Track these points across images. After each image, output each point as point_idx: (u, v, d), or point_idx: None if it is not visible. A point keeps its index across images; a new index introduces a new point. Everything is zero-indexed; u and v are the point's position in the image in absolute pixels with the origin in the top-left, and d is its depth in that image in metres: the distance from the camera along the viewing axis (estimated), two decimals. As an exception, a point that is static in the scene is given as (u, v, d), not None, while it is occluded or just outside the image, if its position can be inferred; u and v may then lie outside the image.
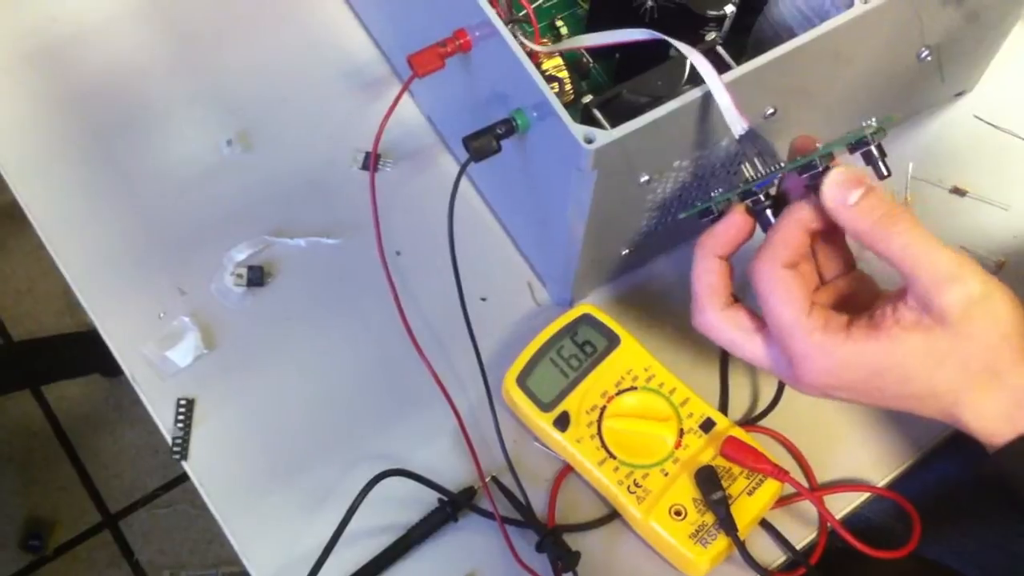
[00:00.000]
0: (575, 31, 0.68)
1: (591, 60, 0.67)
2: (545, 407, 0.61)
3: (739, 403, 0.65)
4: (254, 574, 0.61)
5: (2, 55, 0.74)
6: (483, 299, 0.68)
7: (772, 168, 0.51)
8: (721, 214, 0.54)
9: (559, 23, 0.69)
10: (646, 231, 0.63)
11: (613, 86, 0.57)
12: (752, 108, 0.53)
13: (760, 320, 0.53)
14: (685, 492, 0.59)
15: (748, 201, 0.53)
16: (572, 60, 0.66)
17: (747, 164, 0.52)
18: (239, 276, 0.67)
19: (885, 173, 0.50)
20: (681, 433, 0.61)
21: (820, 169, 0.50)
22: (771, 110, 0.57)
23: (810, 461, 0.63)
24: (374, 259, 0.61)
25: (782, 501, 0.62)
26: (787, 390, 0.64)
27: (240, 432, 0.64)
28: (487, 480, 0.61)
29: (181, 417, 0.64)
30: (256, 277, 0.67)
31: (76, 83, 0.73)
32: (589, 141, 0.49)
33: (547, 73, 0.62)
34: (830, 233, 0.53)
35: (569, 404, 0.61)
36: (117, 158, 0.71)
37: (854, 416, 0.65)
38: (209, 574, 1.43)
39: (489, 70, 0.57)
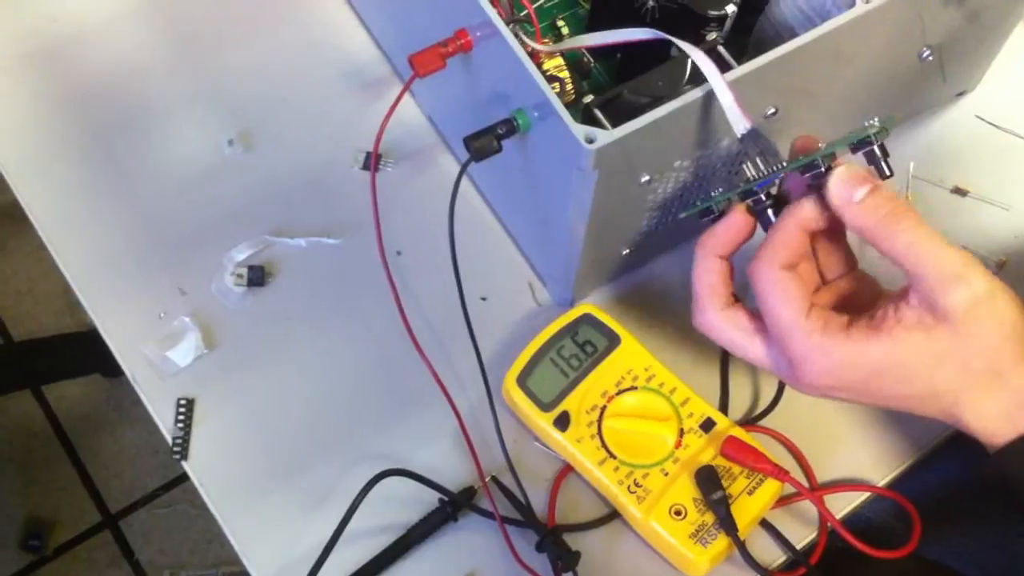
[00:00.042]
0: (576, 31, 0.68)
1: (592, 60, 0.67)
2: (545, 407, 0.61)
3: (739, 403, 0.65)
4: (254, 574, 0.61)
5: (2, 55, 0.74)
6: (483, 299, 0.68)
7: (774, 168, 0.51)
8: (722, 213, 0.54)
9: (560, 23, 0.69)
10: (647, 231, 0.63)
11: (614, 86, 0.57)
12: (753, 108, 0.53)
13: (760, 320, 0.53)
14: (685, 492, 0.59)
15: (749, 201, 0.52)
16: (573, 60, 0.66)
17: (749, 163, 0.52)
18: (239, 276, 0.67)
19: (887, 173, 0.50)
20: (681, 433, 0.61)
21: (822, 169, 0.49)
22: (772, 110, 0.57)
23: (810, 461, 0.63)
24: (375, 259, 0.61)
25: (782, 501, 0.62)
26: (787, 390, 0.64)
27: (240, 432, 0.64)
28: (487, 480, 0.61)
29: (181, 417, 0.64)
30: (256, 277, 0.67)
31: (76, 83, 0.73)
32: (590, 141, 0.49)
33: (548, 73, 0.62)
34: (831, 233, 0.53)
35: (569, 404, 0.61)
36: (118, 158, 0.71)
37: (854, 416, 0.65)
38: (209, 574, 1.43)
39: (490, 70, 0.57)
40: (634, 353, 0.63)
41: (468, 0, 0.54)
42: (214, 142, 0.72)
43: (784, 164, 0.51)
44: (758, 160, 0.52)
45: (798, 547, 0.62)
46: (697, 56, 0.52)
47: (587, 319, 0.64)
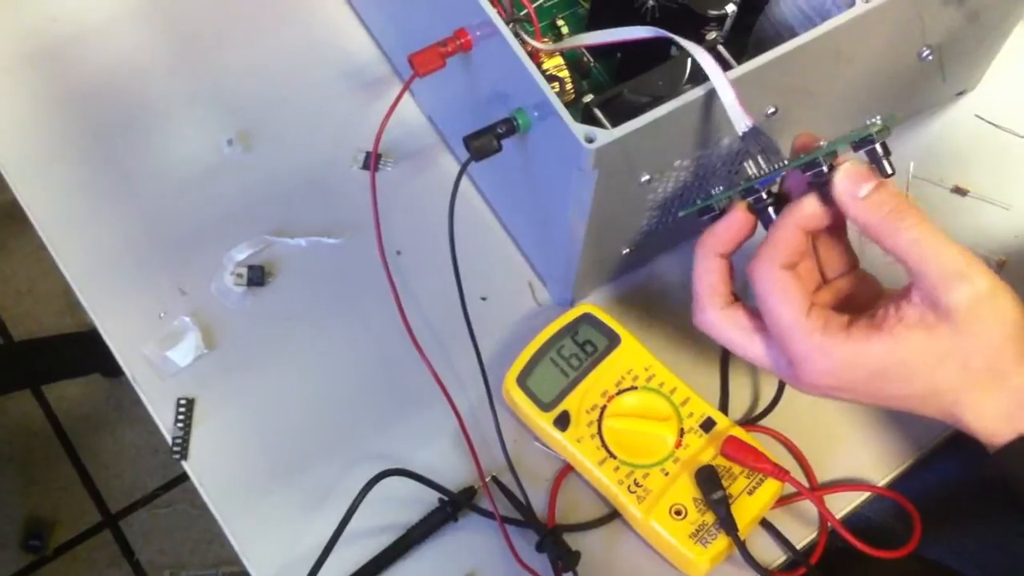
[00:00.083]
0: (576, 31, 0.68)
1: (592, 59, 0.67)
2: (545, 407, 0.61)
3: (739, 403, 0.65)
4: (254, 574, 0.61)
5: (3, 55, 0.74)
6: (483, 299, 0.68)
7: (776, 166, 0.51)
8: (722, 212, 0.54)
9: (560, 22, 0.69)
10: (647, 230, 0.63)
11: (614, 86, 0.57)
12: (753, 107, 0.52)
13: (760, 319, 0.53)
14: (685, 492, 0.59)
15: (750, 199, 0.52)
16: (573, 60, 0.66)
17: (750, 162, 0.52)
18: (239, 276, 0.67)
19: (889, 171, 0.50)
20: (681, 433, 0.61)
21: (824, 168, 0.49)
22: (772, 109, 0.57)
23: (810, 461, 0.63)
24: (374, 259, 0.61)
25: (782, 501, 0.62)
26: (788, 390, 0.64)
27: (240, 432, 0.64)
28: (487, 480, 0.61)
29: (181, 417, 0.64)
30: (256, 277, 0.67)
31: (77, 83, 0.73)
32: (590, 141, 0.49)
33: (548, 72, 0.62)
34: (833, 231, 0.53)
35: (569, 404, 0.61)
36: (118, 158, 0.71)
37: (855, 416, 0.65)
38: (209, 574, 1.43)
39: (490, 69, 0.57)
40: (634, 353, 0.63)
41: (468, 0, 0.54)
42: (214, 142, 0.72)
43: (786, 162, 0.51)
44: (759, 158, 0.52)
45: (798, 547, 0.62)
46: (698, 53, 0.52)
47: (587, 319, 0.64)
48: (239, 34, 0.75)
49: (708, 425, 0.61)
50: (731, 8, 0.60)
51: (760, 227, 0.53)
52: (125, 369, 0.65)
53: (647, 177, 0.55)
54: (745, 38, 0.63)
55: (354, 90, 0.74)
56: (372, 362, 0.66)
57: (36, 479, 1.48)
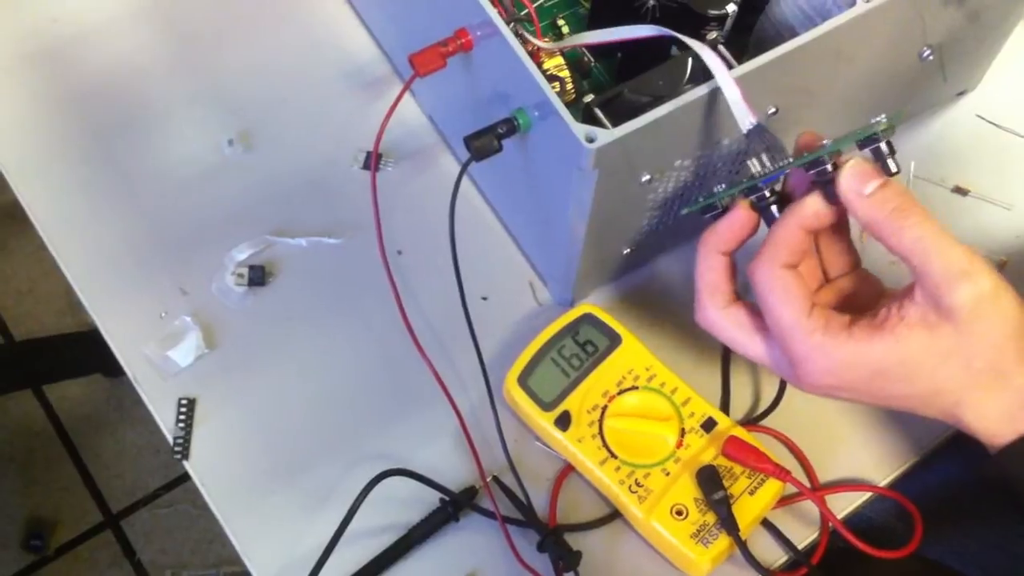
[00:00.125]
0: (576, 30, 0.68)
1: (592, 59, 0.67)
2: (546, 406, 0.61)
3: (741, 403, 0.65)
4: (255, 574, 0.61)
5: (3, 55, 0.74)
6: (484, 299, 0.68)
7: (780, 164, 0.51)
8: (725, 210, 0.54)
9: (560, 22, 0.69)
10: (647, 230, 0.63)
11: (614, 85, 0.57)
12: (754, 107, 0.52)
13: (762, 318, 0.52)
14: (686, 492, 0.59)
15: (753, 197, 0.52)
16: (573, 59, 0.66)
17: (754, 160, 0.52)
18: (240, 276, 0.67)
19: (893, 170, 0.50)
20: (682, 433, 0.61)
21: (828, 166, 0.49)
22: (773, 109, 0.57)
23: (812, 461, 0.63)
24: (375, 259, 0.61)
25: (784, 501, 0.62)
26: (789, 390, 0.64)
27: (241, 432, 0.64)
28: (488, 480, 0.61)
29: (182, 417, 0.64)
30: (257, 277, 0.67)
31: (77, 83, 0.73)
32: (590, 140, 0.49)
33: (548, 72, 0.62)
34: (835, 230, 0.53)
35: (570, 403, 0.61)
36: (118, 158, 0.71)
37: (856, 416, 0.65)
38: (210, 574, 1.43)
39: (490, 69, 0.57)
40: (635, 353, 0.63)
41: None
42: (214, 142, 0.72)
43: (790, 160, 0.51)
44: (763, 156, 0.51)
45: (799, 547, 0.62)
46: (702, 51, 0.52)
47: (588, 319, 0.64)
48: (239, 34, 0.75)
49: (709, 425, 0.61)
50: (731, 8, 0.60)
51: (763, 225, 0.53)
52: (126, 369, 0.65)
53: (648, 177, 0.55)
54: (745, 38, 0.63)
55: (355, 90, 0.74)
56: (373, 362, 0.66)
57: (37, 479, 1.48)
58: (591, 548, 0.61)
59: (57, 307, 1.56)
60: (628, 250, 0.64)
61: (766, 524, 0.62)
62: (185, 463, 0.63)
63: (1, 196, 0.76)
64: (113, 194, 0.70)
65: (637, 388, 0.62)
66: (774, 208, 0.52)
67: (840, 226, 0.54)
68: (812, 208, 0.51)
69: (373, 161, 0.66)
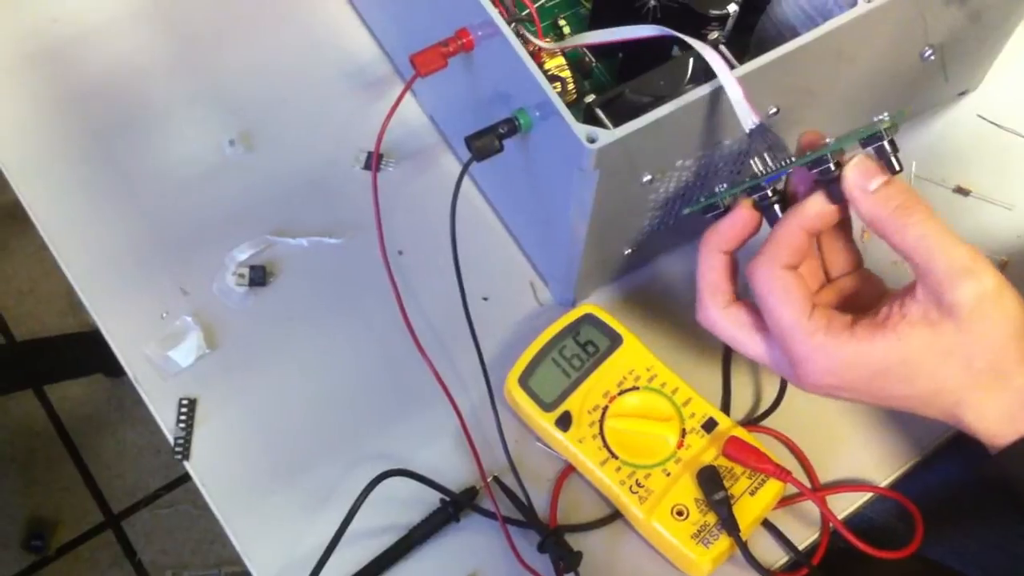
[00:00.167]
0: (578, 31, 0.68)
1: (594, 60, 0.67)
2: (547, 407, 0.61)
3: (741, 403, 0.65)
4: (256, 574, 0.61)
5: (3, 55, 0.74)
6: (485, 299, 0.68)
7: (782, 163, 0.51)
8: (727, 209, 0.53)
9: (562, 22, 0.69)
10: (649, 231, 0.63)
11: (616, 86, 0.57)
12: (755, 107, 0.52)
13: (763, 318, 0.52)
14: (687, 492, 0.59)
15: (755, 196, 0.52)
16: (574, 60, 0.66)
17: (756, 159, 0.52)
18: (241, 276, 0.67)
19: (897, 168, 0.50)
20: (683, 433, 0.61)
21: (831, 165, 0.49)
22: (774, 109, 0.57)
23: (812, 461, 0.63)
24: (376, 259, 0.61)
25: (784, 501, 0.62)
26: (789, 391, 0.64)
27: (242, 432, 0.64)
28: (489, 480, 0.61)
29: (183, 417, 0.64)
30: (258, 277, 0.67)
31: (77, 83, 0.73)
32: (591, 141, 0.49)
33: (550, 72, 0.62)
34: (837, 230, 0.53)
35: (571, 404, 0.61)
36: (119, 158, 0.71)
37: (856, 416, 0.65)
38: (211, 574, 1.43)
39: (491, 69, 0.57)
40: (636, 353, 0.63)
41: None
42: (215, 142, 0.72)
43: (792, 159, 0.51)
44: (766, 156, 0.51)
45: (800, 547, 0.61)
46: (704, 51, 0.52)
47: (589, 319, 0.64)
48: (240, 34, 0.75)
49: (710, 425, 0.61)
50: (733, 8, 0.60)
51: (765, 224, 0.53)
52: (127, 369, 0.65)
53: (649, 177, 0.55)
54: (747, 38, 0.63)
55: (355, 90, 0.74)
56: (374, 362, 0.66)
57: (38, 479, 1.48)
58: (592, 548, 0.61)
59: (58, 307, 1.56)
60: (629, 250, 0.64)
61: (767, 524, 0.62)
62: (186, 463, 0.63)
63: (2, 196, 0.76)
64: (114, 194, 0.70)
65: (638, 388, 0.62)
66: (776, 207, 0.52)
67: (842, 225, 0.54)
68: (814, 209, 0.50)
69: (374, 161, 0.66)
